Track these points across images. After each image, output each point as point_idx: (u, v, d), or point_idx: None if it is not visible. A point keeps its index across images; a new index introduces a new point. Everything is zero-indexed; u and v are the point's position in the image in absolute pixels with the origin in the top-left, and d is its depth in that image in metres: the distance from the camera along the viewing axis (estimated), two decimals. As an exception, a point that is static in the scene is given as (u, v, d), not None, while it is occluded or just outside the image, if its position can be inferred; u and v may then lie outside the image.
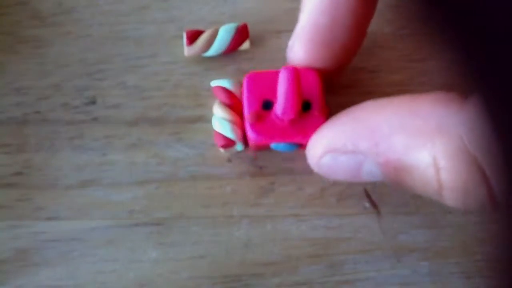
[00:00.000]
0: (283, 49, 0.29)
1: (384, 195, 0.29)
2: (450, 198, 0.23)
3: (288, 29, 0.31)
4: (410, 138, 0.23)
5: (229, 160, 0.29)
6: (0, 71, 0.31)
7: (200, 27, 0.31)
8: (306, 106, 0.28)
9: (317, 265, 0.28)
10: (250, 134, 0.28)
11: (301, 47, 0.27)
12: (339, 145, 0.25)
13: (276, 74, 0.27)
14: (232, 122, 0.29)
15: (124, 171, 0.29)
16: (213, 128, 0.29)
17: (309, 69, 0.28)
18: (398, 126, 0.23)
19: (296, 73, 0.26)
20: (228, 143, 0.29)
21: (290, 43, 0.28)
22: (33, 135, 0.30)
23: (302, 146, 0.28)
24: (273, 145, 0.28)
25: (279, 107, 0.27)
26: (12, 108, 0.30)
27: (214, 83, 0.30)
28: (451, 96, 0.23)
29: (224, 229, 0.28)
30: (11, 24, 0.32)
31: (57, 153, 0.30)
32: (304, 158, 0.29)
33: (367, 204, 0.29)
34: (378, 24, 0.31)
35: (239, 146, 0.29)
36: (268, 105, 0.28)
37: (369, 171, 0.25)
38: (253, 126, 0.28)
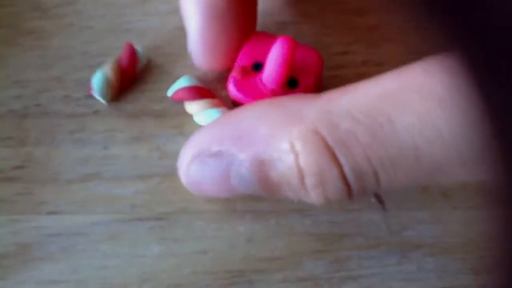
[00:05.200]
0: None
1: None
2: (311, 186, 0.23)
3: (294, 20, 0.31)
4: (271, 128, 0.23)
5: (233, 154, 0.29)
6: (0, 63, 0.31)
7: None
8: (293, 83, 0.28)
9: (322, 261, 0.28)
10: (230, 86, 0.28)
11: (198, 53, 0.28)
12: (204, 146, 0.24)
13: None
14: (215, 105, 0.28)
15: (126, 165, 0.29)
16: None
17: (313, 50, 0.28)
18: (260, 118, 0.24)
19: (291, 45, 0.26)
20: None
21: (189, 49, 0.29)
22: (33, 129, 0.29)
23: None
24: None
25: (265, 72, 0.27)
26: (13, 101, 0.30)
27: (171, 92, 0.29)
28: None
29: (227, 224, 0.28)
30: (12, 16, 0.31)
31: (58, 146, 0.29)
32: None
33: (373, 199, 0.28)
34: (383, 16, 0.31)
35: None
36: (258, 67, 0.28)
37: (238, 173, 0.24)
38: (235, 80, 0.28)
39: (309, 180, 0.23)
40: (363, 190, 0.23)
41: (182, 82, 0.29)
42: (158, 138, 0.29)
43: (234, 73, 0.28)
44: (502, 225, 0.16)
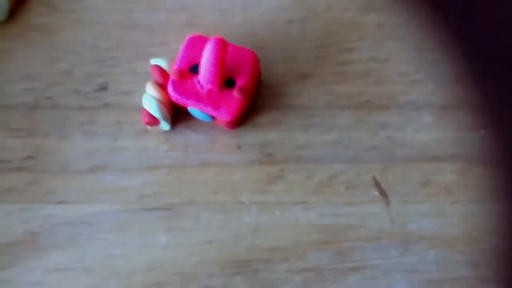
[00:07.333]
0: (292, 33, 0.29)
1: (393, 183, 0.29)
2: None
3: (300, 18, 0.31)
4: None
5: (239, 147, 0.30)
6: (11, 57, 0.31)
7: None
8: (231, 83, 0.29)
9: (325, 252, 0.28)
10: (169, 89, 0.29)
11: None
12: None
13: None
14: (160, 101, 0.29)
15: (134, 157, 0.29)
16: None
17: (247, 50, 0.29)
18: None
19: (221, 46, 0.27)
20: (153, 120, 0.29)
21: None
22: (44, 120, 0.30)
23: (216, 119, 0.29)
24: (190, 109, 0.29)
25: (200, 74, 0.28)
26: (24, 94, 0.30)
27: (153, 61, 0.30)
28: None
29: (233, 215, 0.29)
30: (22, 11, 0.32)
31: (68, 138, 0.30)
32: (314, 146, 0.29)
33: (376, 193, 0.29)
34: (387, 14, 0.31)
35: (165, 125, 0.29)
36: (196, 69, 0.29)
37: None
38: (174, 83, 0.29)
39: None
40: None
41: (159, 62, 0.30)
42: (166, 130, 0.30)
43: (172, 77, 0.29)
44: (502, 220, 0.16)
